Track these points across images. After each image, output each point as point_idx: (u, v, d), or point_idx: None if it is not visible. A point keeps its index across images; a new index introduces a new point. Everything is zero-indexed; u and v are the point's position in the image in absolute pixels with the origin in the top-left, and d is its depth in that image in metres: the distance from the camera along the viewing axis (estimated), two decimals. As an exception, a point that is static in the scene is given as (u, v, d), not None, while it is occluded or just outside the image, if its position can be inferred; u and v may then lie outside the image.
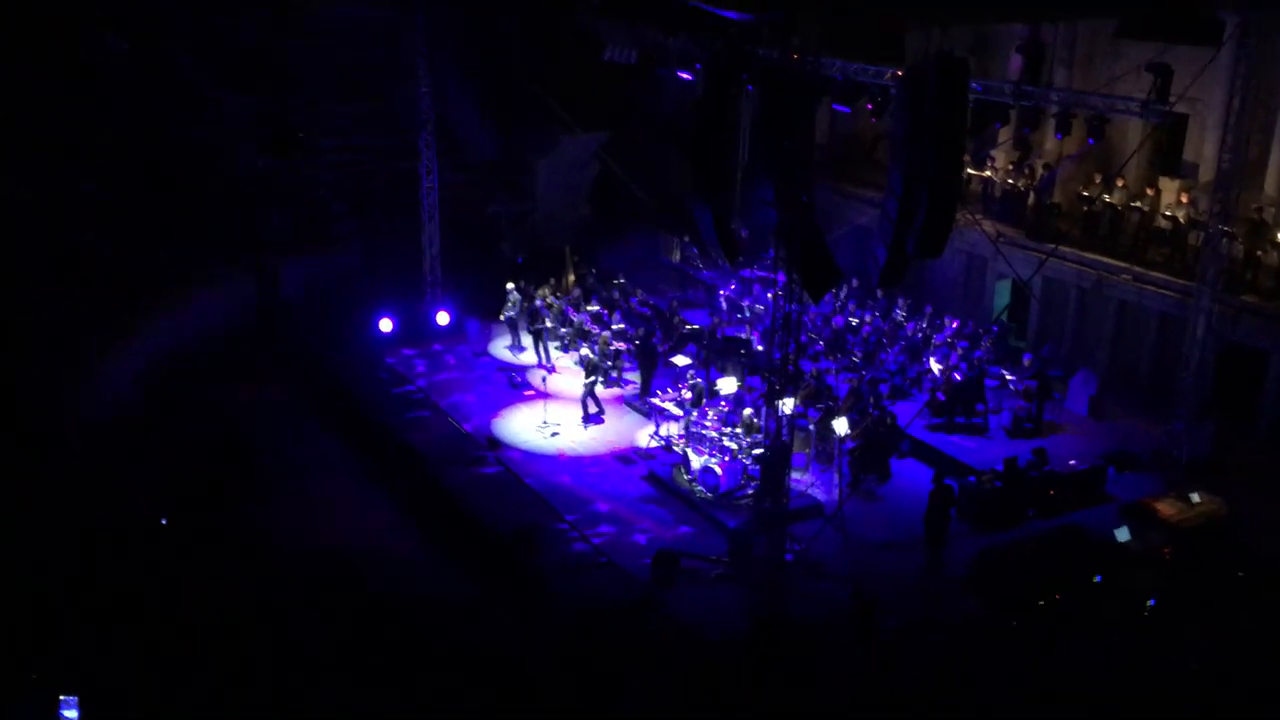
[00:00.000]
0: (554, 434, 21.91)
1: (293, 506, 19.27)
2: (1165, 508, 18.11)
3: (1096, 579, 16.38)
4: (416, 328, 26.22)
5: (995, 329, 24.26)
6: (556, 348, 25.28)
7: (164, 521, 16.98)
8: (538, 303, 25.30)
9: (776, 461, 17.18)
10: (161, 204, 25.86)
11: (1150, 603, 16.13)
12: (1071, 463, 19.86)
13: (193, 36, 31.14)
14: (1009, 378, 22.15)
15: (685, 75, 22.69)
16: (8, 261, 21.39)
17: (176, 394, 22.62)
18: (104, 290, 22.67)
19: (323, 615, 15.41)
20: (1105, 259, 23.64)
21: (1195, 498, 18.31)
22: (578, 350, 23.72)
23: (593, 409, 22.55)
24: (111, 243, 23.97)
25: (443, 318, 26.30)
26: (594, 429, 22.21)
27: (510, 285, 25.81)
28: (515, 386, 24.23)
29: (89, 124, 26.54)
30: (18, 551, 14.77)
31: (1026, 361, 22.29)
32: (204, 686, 13.23)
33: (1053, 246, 22.21)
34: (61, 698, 11.68)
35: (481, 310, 26.92)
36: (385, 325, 25.69)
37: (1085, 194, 24.72)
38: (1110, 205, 24.22)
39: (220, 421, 21.68)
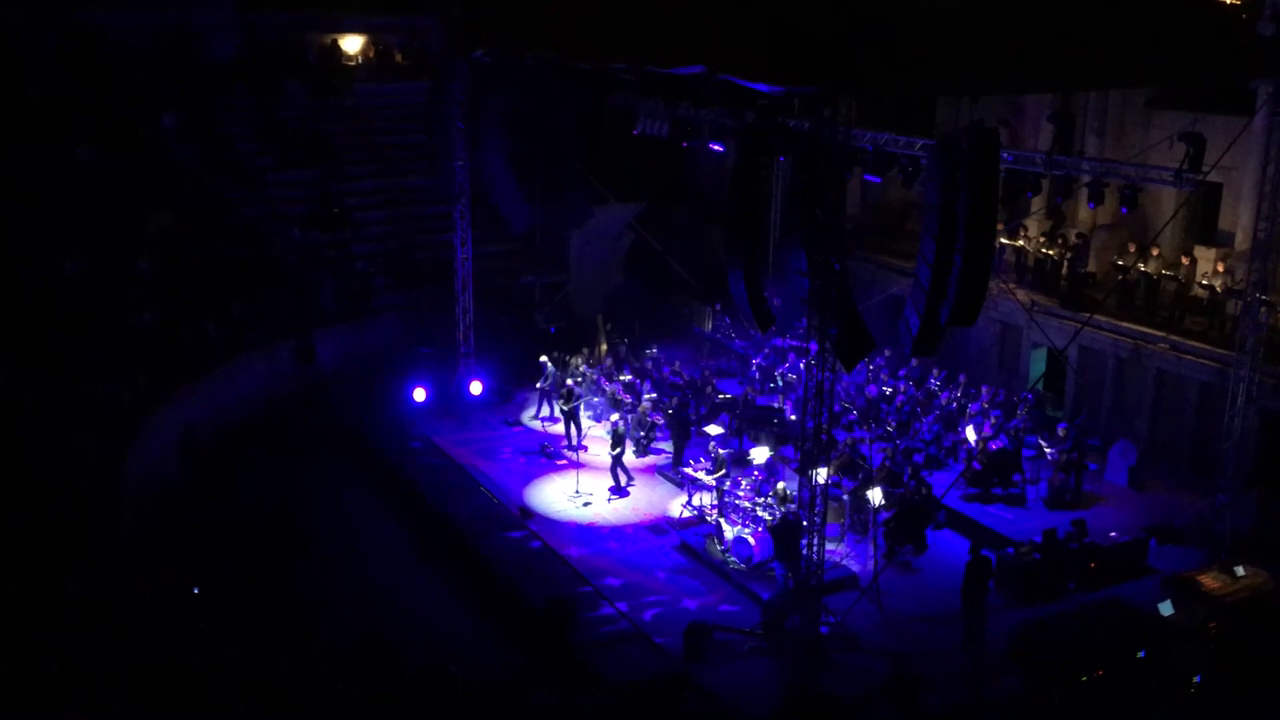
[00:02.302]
0: (586, 504, 21.85)
1: (332, 575, 19.25)
2: (1209, 581, 17.65)
3: (1140, 654, 16.00)
4: (450, 398, 26.31)
5: (1030, 397, 24.03)
6: (589, 417, 25.25)
7: (195, 590, 16.94)
8: (571, 382, 25.12)
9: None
10: (212, 279, 26.34)
11: (1196, 679, 15.71)
12: (1112, 535, 19.52)
13: (246, 117, 32.02)
14: (1046, 448, 21.90)
15: (717, 147, 22.92)
16: (68, 341, 21.75)
17: (217, 465, 22.88)
18: (150, 364, 22.94)
19: (363, 684, 15.27)
20: (1142, 328, 23.46)
21: (1240, 571, 17.82)
22: (609, 419, 23.70)
23: (622, 480, 22.47)
24: (161, 318, 24.36)
25: (476, 387, 26.37)
26: (626, 499, 22.11)
27: (544, 357, 25.91)
28: (548, 456, 24.20)
29: (147, 203, 27.17)
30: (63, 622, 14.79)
31: (1062, 431, 22.03)
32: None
33: (1088, 315, 22.07)
34: None
35: (515, 380, 27.07)
36: (419, 395, 25.80)
37: (1120, 263, 24.60)
38: (1145, 274, 24.09)
39: (260, 492, 21.82)
